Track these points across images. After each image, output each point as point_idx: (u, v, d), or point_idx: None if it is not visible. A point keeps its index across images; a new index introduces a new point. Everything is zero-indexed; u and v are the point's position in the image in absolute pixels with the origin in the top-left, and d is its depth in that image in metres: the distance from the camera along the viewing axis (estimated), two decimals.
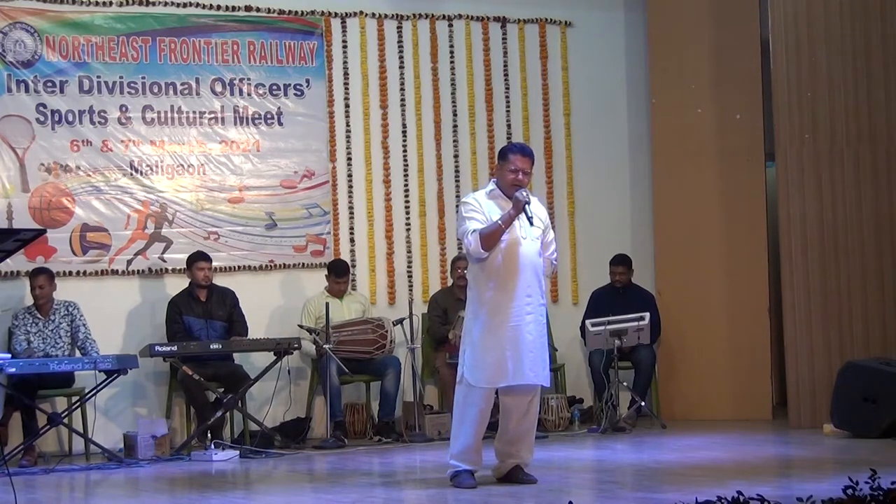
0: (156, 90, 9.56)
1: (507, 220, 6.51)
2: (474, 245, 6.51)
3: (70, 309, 8.90)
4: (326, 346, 8.94)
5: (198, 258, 9.24)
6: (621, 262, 10.16)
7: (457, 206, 7.03)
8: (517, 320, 6.53)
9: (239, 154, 9.78)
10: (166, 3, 9.61)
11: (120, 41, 9.46)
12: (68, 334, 8.88)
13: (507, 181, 6.63)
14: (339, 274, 9.59)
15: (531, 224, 6.56)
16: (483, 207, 6.63)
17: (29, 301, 8.93)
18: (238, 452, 8.51)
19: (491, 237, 6.50)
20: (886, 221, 9.27)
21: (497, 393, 6.72)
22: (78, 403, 8.59)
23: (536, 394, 6.72)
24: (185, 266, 9.33)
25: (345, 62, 10.12)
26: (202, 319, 9.16)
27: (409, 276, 10.22)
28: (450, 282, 9.92)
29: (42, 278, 8.80)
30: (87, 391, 8.60)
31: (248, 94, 9.81)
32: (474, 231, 6.52)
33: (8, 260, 7.82)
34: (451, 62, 10.44)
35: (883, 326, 9.22)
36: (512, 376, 6.53)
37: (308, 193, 9.96)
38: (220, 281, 9.44)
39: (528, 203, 6.55)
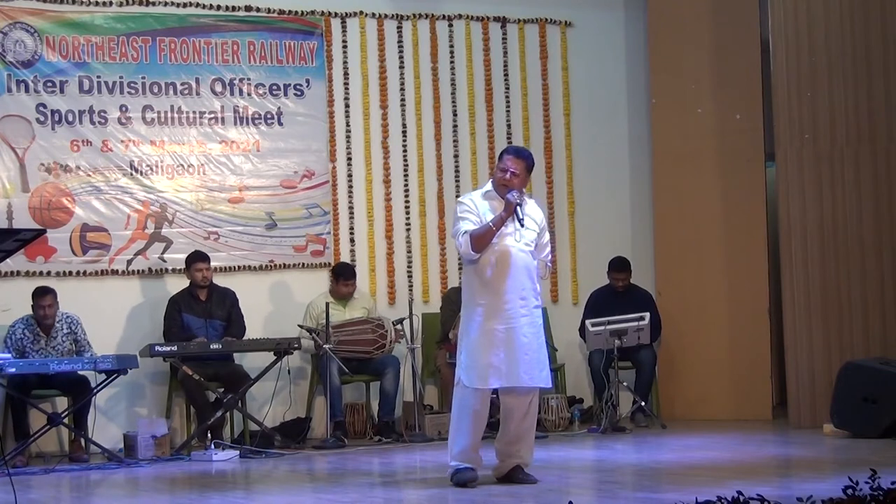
0: (156, 90, 9.56)
1: (499, 222, 6.53)
2: (465, 246, 6.56)
3: (72, 326, 8.79)
4: (326, 346, 8.95)
5: (196, 259, 9.23)
6: (622, 269, 10.12)
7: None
8: (511, 322, 6.54)
9: (239, 154, 9.78)
10: (166, 3, 9.61)
11: (120, 41, 9.46)
12: (71, 353, 8.79)
13: (497, 178, 6.67)
14: (347, 276, 9.58)
15: (521, 226, 6.57)
16: (477, 208, 6.65)
17: (27, 304, 8.85)
18: (238, 452, 8.51)
19: (482, 239, 6.52)
20: (886, 221, 9.27)
21: (497, 393, 6.74)
22: (78, 403, 8.58)
23: (536, 394, 6.73)
24: (184, 266, 9.33)
25: (345, 62, 10.13)
26: (201, 318, 9.16)
27: (409, 276, 10.22)
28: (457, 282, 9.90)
29: (49, 298, 8.65)
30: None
31: (248, 94, 9.81)
32: (465, 232, 6.56)
33: (8, 260, 7.83)
34: (451, 62, 10.44)
35: (883, 326, 9.22)
36: (506, 378, 6.55)
37: (308, 193, 9.96)
38: (220, 281, 9.44)
39: (520, 205, 6.55)
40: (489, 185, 6.78)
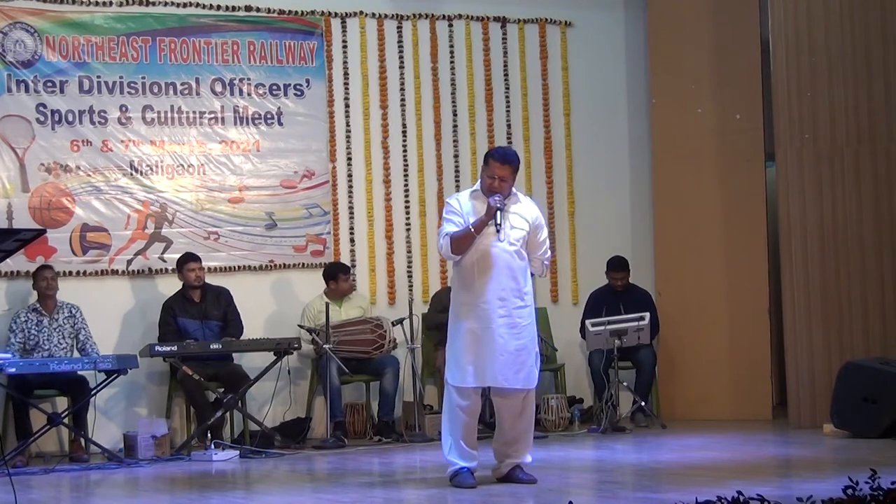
0: (156, 90, 9.56)
1: (479, 226, 6.54)
2: (445, 248, 6.60)
3: (73, 311, 8.90)
4: (326, 346, 8.95)
5: (187, 260, 9.23)
6: (621, 268, 10.13)
7: None
8: (488, 323, 6.55)
9: (239, 154, 9.78)
10: (166, 3, 9.61)
11: (120, 41, 9.46)
12: (71, 336, 8.86)
13: (485, 185, 6.65)
14: (346, 271, 9.59)
15: (497, 230, 6.53)
16: (463, 208, 6.66)
17: (30, 300, 8.91)
18: (238, 452, 8.51)
19: (461, 241, 6.54)
20: (886, 221, 9.27)
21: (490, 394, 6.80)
22: (78, 403, 8.58)
23: (528, 395, 6.72)
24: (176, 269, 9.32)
25: (345, 62, 10.13)
26: (197, 321, 9.15)
27: (409, 276, 10.22)
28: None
29: (50, 271, 8.85)
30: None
31: (248, 94, 9.81)
32: (447, 234, 6.58)
33: (8, 260, 7.83)
34: (451, 62, 10.44)
35: (883, 326, 9.22)
36: (481, 378, 6.57)
37: (308, 193, 9.96)
38: (220, 281, 9.44)
39: (501, 210, 6.52)
40: (477, 185, 6.78)
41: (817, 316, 9.26)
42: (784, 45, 9.43)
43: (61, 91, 9.31)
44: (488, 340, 6.54)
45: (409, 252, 10.23)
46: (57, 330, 8.83)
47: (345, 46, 10.13)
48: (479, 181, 6.79)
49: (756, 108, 10.05)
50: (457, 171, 10.38)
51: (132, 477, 7.80)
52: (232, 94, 9.76)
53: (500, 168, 6.59)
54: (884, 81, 9.28)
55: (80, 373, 8.59)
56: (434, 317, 9.59)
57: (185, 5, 9.66)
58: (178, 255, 9.41)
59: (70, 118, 9.32)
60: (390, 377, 9.34)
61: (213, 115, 9.70)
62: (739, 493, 4.54)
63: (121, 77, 9.47)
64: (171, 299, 9.22)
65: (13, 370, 8.14)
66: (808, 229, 9.31)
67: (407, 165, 10.27)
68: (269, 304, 9.80)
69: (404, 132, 10.29)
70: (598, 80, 10.87)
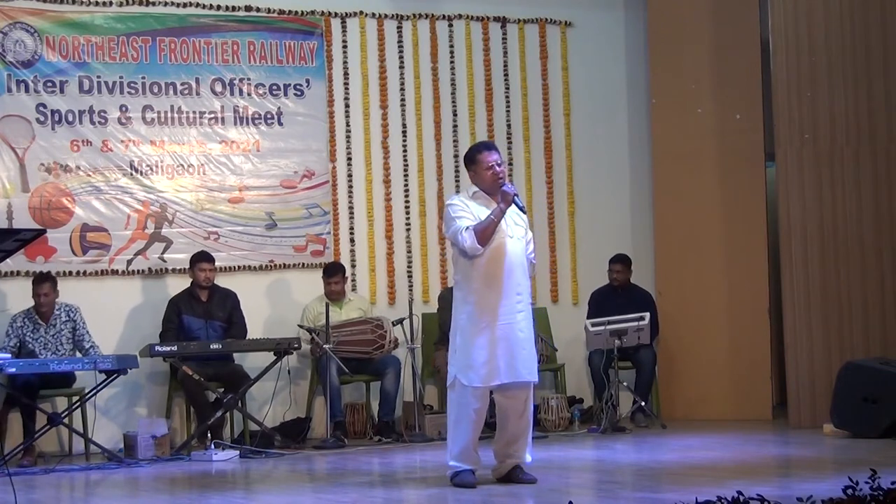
0: (156, 90, 9.56)
1: (499, 214, 6.53)
2: (470, 241, 6.50)
3: (72, 315, 8.85)
4: (326, 346, 8.95)
5: (200, 259, 9.24)
6: (619, 261, 10.16)
7: None
8: (509, 318, 6.55)
9: (239, 154, 9.78)
10: (166, 3, 9.61)
11: (120, 41, 9.47)
12: (70, 341, 8.83)
13: (488, 179, 6.64)
14: (330, 274, 9.57)
15: (524, 212, 6.65)
16: (469, 207, 6.65)
17: (27, 304, 8.90)
18: (238, 452, 8.51)
19: (485, 231, 6.51)
20: (886, 221, 9.28)
21: (492, 394, 6.73)
22: (78, 403, 8.58)
23: (531, 392, 6.72)
24: (186, 266, 9.34)
25: (345, 62, 10.13)
26: (202, 319, 9.16)
27: (409, 276, 10.22)
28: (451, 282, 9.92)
29: (47, 286, 8.74)
30: (87, 391, 8.60)
31: (248, 94, 9.81)
32: (468, 228, 6.52)
33: (8, 260, 7.83)
34: (451, 62, 10.44)
35: (883, 326, 9.23)
36: (505, 374, 6.53)
37: (308, 193, 9.96)
38: (219, 281, 9.43)
39: (517, 195, 6.57)
40: (473, 188, 6.77)
41: (817, 316, 9.26)
42: (784, 45, 9.43)
43: (61, 91, 9.31)
44: (512, 336, 6.53)
45: (409, 252, 10.23)
46: (54, 337, 8.77)
47: (345, 46, 10.13)
48: (472, 185, 6.78)
49: (756, 108, 10.05)
50: (457, 171, 10.38)
51: (132, 477, 7.80)
52: (232, 94, 9.76)
53: (493, 154, 6.67)
54: (884, 81, 9.29)
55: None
56: (446, 317, 9.55)
57: (185, 5, 9.66)
58: (178, 256, 9.44)
59: (70, 118, 9.32)
60: (391, 377, 9.34)
61: (213, 115, 9.70)
62: (739, 493, 4.54)
63: (121, 77, 9.47)
64: (178, 296, 9.23)
65: (13, 370, 8.13)
66: (808, 229, 9.31)
67: (407, 165, 10.28)
68: (268, 304, 9.80)
69: (404, 132, 10.29)
70: (598, 80, 10.87)
